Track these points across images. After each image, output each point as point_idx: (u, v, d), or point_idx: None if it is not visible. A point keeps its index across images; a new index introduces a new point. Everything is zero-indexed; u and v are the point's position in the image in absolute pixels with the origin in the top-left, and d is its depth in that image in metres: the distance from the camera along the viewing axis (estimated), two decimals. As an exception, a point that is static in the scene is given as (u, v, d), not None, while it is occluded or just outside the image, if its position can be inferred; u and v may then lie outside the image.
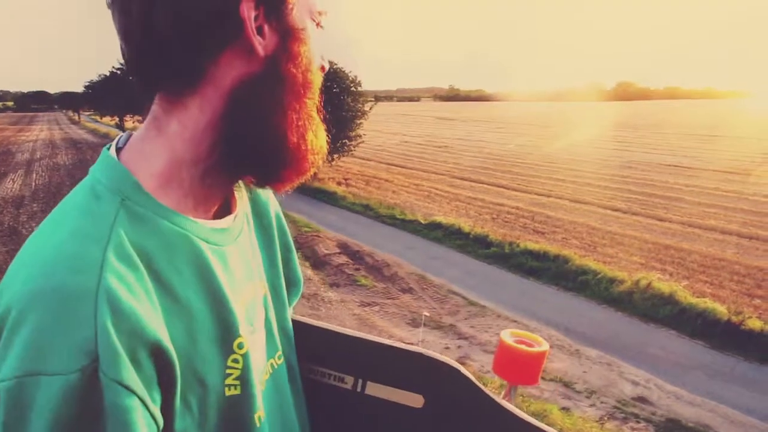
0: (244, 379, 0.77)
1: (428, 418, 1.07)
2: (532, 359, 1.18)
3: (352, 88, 30.91)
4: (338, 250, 18.38)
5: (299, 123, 0.80)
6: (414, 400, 1.07)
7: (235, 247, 0.83)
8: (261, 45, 0.72)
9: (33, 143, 54.14)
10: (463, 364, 10.35)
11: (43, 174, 34.35)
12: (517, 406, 1.16)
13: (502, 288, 14.55)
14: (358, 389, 1.09)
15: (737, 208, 22.39)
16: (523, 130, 66.18)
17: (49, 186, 29.80)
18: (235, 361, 0.75)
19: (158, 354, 0.63)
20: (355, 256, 18.02)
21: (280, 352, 0.97)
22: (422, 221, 20.53)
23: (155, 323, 0.63)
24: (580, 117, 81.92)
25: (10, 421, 0.55)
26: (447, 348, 11.11)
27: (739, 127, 58.26)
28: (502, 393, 1.23)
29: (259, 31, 0.72)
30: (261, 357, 0.88)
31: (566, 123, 73.69)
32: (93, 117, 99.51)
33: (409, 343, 1.18)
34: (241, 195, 0.93)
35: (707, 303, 12.44)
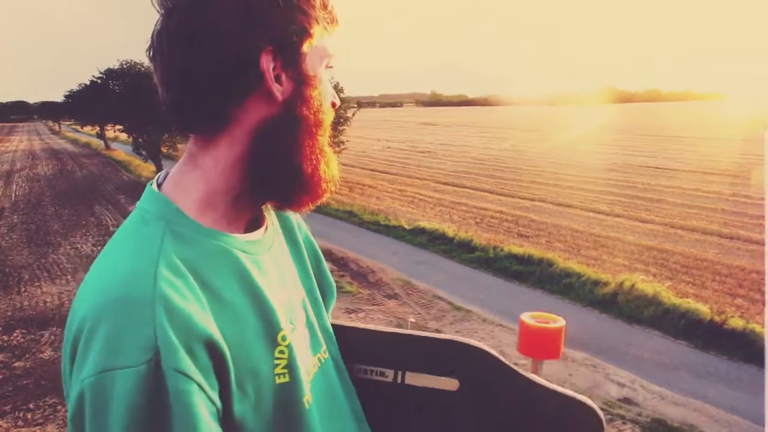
0: (291, 368, 0.88)
1: (464, 400, 1.15)
2: (552, 335, 1.35)
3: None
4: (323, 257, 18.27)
5: (312, 156, 0.90)
6: (450, 384, 1.15)
7: (268, 256, 0.96)
8: (279, 91, 0.83)
9: (13, 153, 53.64)
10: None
11: (24, 185, 34.01)
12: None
13: (487, 292, 14.57)
14: (398, 380, 1.17)
15: (717, 208, 22.59)
16: (506, 135, 66.40)
17: (30, 197, 29.50)
18: (281, 352, 0.86)
19: (210, 346, 0.74)
20: (340, 262, 17.97)
21: (324, 348, 1.08)
22: (406, 227, 20.53)
23: (205, 321, 0.74)
24: (563, 121, 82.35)
25: (96, 410, 0.67)
26: (433, 353, 11.09)
27: (717, 129, 58.86)
28: (530, 369, 1.30)
29: (277, 79, 0.83)
30: (306, 352, 0.99)
31: (549, 127, 74.06)
32: (74, 127, 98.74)
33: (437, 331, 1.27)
34: (269, 213, 1.07)
35: (690, 303, 12.53)
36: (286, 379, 0.87)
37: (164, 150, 36.23)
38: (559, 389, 1.24)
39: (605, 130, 60.45)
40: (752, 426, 8.68)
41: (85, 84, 37.69)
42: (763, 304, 12.69)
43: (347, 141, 33.11)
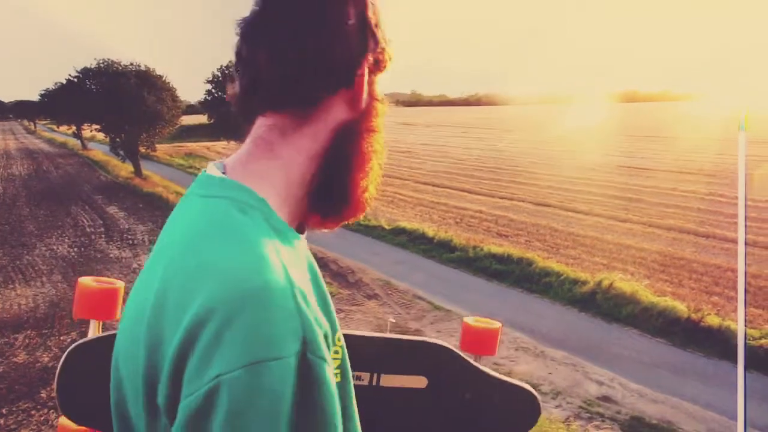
0: (344, 369, 0.84)
1: (431, 394, 1.25)
2: (492, 334, 1.48)
3: (314, 95, 30.79)
4: (302, 257, 18.21)
5: (370, 172, 0.91)
6: (419, 382, 1.24)
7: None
8: (363, 100, 0.87)
9: (-13, 154, 52.88)
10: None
11: (-2, 185, 33.54)
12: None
13: (467, 292, 14.60)
14: (374, 383, 1.21)
15: (694, 207, 22.85)
16: (486, 135, 66.68)
17: (4, 197, 29.07)
18: (336, 352, 0.82)
19: (327, 337, 0.74)
20: (320, 262, 17.79)
21: None
22: (386, 227, 20.51)
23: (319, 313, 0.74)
24: (542, 121, 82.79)
25: (238, 407, 0.62)
26: (413, 353, 11.10)
27: (694, 129, 59.51)
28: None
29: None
30: None
31: (528, 127, 74.41)
32: (49, 126, 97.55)
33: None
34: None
35: (668, 301, 12.65)
36: (339, 378, 0.82)
37: (142, 150, 35.91)
38: (506, 378, 1.37)
39: (584, 130, 60.85)
40: (728, 422, 8.77)
41: (61, 83, 37.20)
42: (738, 301, 12.85)
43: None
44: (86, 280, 1.20)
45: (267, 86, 0.82)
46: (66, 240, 20.14)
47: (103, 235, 20.81)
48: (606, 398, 9.69)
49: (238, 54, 0.85)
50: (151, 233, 20.94)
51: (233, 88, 0.88)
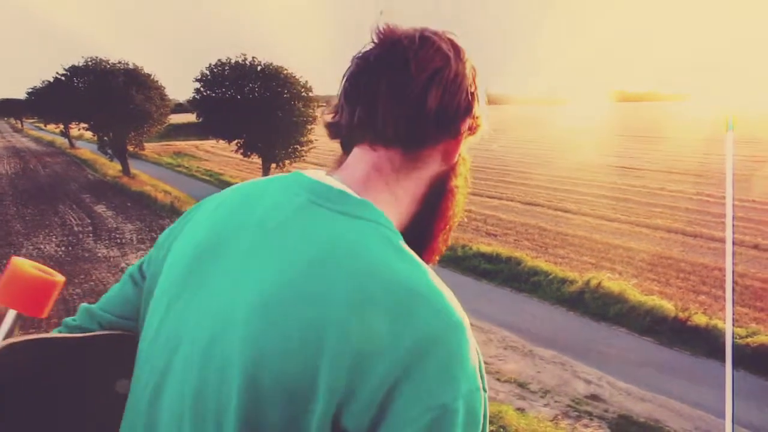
0: None
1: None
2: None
3: (303, 94, 30.66)
4: (292, 257, 18.18)
5: (449, 220, 0.96)
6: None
7: None
8: (457, 155, 0.92)
9: (-27, 152, 52.43)
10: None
11: (-16, 184, 33.26)
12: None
13: (456, 290, 14.40)
14: None
15: (681, 207, 22.96)
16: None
17: (-9, 196, 28.88)
18: None
19: None
20: (309, 262, 17.84)
21: None
22: (376, 226, 20.43)
23: None
24: (529, 120, 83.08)
25: (468, 425, 0.68)
26: (402, 352, 11.11)
27: (681, 129, 59.85)
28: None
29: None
30: None
31: (516, 126, 74.64)
32: (37, 125, 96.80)
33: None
34: None
35: (655, 300, 12.71)
36: None
37: (130, 148, 35.71)
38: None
39: (573, 130, 61.10)
40: (715, 420, 8.83)
41: (49, 81, 36.92)
42: (726, 300, 12.93)
43: (316, 140, 32.94)
44: (22, 263, 1.04)
45: (385, 120, 0.83)
46: (53, 239, 20.01)
47: (90, 234, 20.68)
48: (594, 397, 9.73)
49: (352, 84, 0.87)
50: (139, 232, 20.84)
51: (333, 114, 0.92)
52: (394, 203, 0.85)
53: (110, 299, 1.04)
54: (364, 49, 0.87)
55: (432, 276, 0.75)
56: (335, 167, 0.92)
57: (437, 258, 0.97)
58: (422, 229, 0.90)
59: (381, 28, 0.86)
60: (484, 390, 0.72)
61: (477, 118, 0.90)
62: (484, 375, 0.73)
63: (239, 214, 0.83)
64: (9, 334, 1.04)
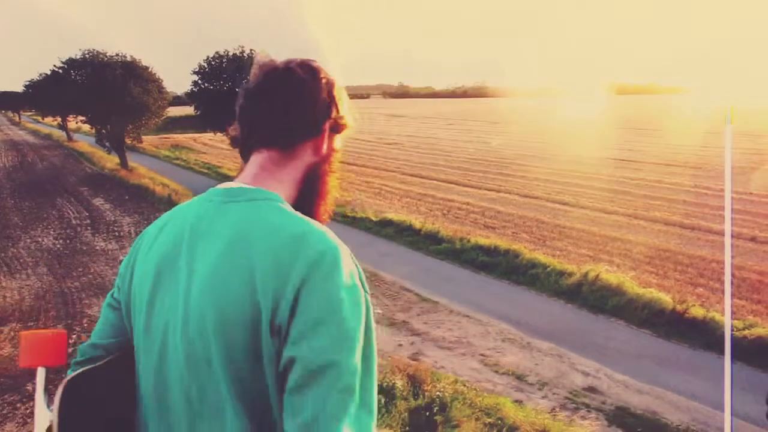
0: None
1: None
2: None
3: (301, 86, 30.64)
4: (290, 249, 18.21)
5: (327, 198, 1.29)
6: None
7: None
8: (323, 148, 1.26)
9: (-30, 145, 52.32)
10: (416, 360, 10.40)
11: (-18, 177, 33.20)
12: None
13: (454, 283, 14.64)
14: None
15: (679, 199, 22.99)
16: (473, 127, 66.74)
17: (-12, 189, 28.83)
18: None
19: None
20: (307, 254, 17.86)
21: None
22: (373, 218, 20.51)
23: None
24: (529, 113, 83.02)
25: (354, 309, 1.04)
26: (400, 345, 11.13)
27: (679, 122, 59.85)
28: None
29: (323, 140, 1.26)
30: None
31: (515, 119, 74.56)
32: (34, 118, 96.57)
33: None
34: None
35: (653, 293, 12.74)
36: None
37: (128, 141, 35.65)
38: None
39: (571, 123, 61.03)
40: (712, 412, 8.87)
41: (46, 74, 36.78)
42: (723, 293, 12.94)
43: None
44: (30, 331, 1.30)
45: (263, 131, 1.21)
46: (51, 232, 20.00)
47: (88, 227, 20.68)
48: (591, 389, 9.76)
49: (241, 107, 1.23)
50: (137, 225, 20.83)
51: (234, 130, 1.26)
52: (280, 187, 1.19)
53: (101, 330, 1.31)
54: (249, 81, 1.23)
55: (315, 224, 1.11)
56: (237, 175, 1.24)
57: (326, 218, 1.29)
58: (308, 202, 1.24)
59: (260, 62, 1.25)
60: (365, 290, 1.09)
61: (340, 119, 1.27)
62: (364, 280, 1.10)
63: (179, 229, 1.16)
64: (44, 386, 1.30)
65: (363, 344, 1.03)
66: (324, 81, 1.23)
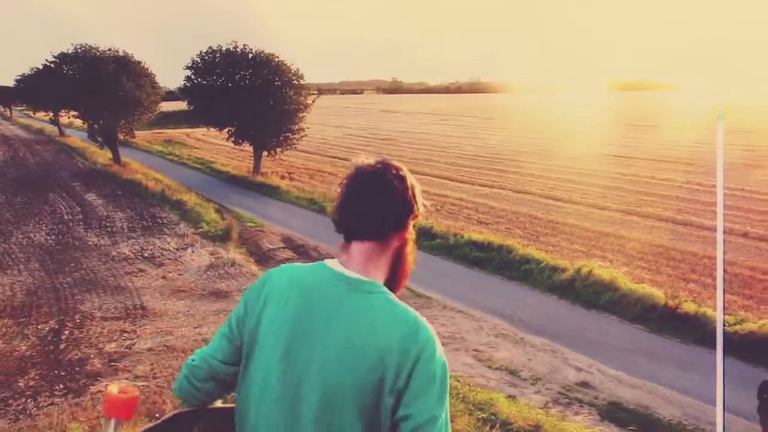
0: None
1: None
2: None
3: (294, 81, 30.52)
4: (282, 245, 18.22)
5: (407, 272, 1.59)
6: None
7: None
8: (407, 235, 1.55)
9: (-39, 140, 51.99)
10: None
11: (-27, 172, 33.02)
12: None
13: (448, 279, 14.67)
14: None
15: (672, 195, 23.08)
16: (467, 123, 66.75)
17: (-20, 184, 28.69)
18: None
19: None
20: (300, 250, 17.88)
21: None
22: (367, 214, 20.43)
23: None
24: (522, 109, 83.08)
25: (443, 382, 1.39)
26: (394, 340, 11.13)
27: (672, 118, 59.97)
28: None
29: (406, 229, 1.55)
30: None
31: (508, 115, 74.62)
32: (26, 112, 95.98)
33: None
34: None
35: (646, 288, 12.78)
36: None
37: (121, 136, 35.50)
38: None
39: (564, 119, 61.12)
40: (704, 406, 8.91)
41: (38, 68, 36.63)
42: (715, 288, 12.99)
43: (307, 128, 32.84)
44: (112, 390, 1.59)
45: (365, 227, 1.49)
46: (43, 227, 19.92)
47: (81, 223, 20.60)
48: (584, 384, 9.80)
49: (345, 203, 1.52)
50: (129, 220, 20.77)
51: (341, 218, 1.53)
52: (380, 272, 1.51)
53: (216, 349, 1.58)
54: (349, 178, 1.54)
55: (419, 316, 1.41)
56: (342, 255, 1.52)
57: (404, 286, 1.60)
58: (395, 279, 1.55)
59: (357, 163, 1.55)
60: (445, 364, 1.40)
61: (418, 213, 1.55)
62: (444, 355, 1.40)
63: (309, 299, 1.44)
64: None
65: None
66: (410, 184, 1.53)
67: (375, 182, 1.49)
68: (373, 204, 1.47)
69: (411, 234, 1.59)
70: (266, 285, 1.52)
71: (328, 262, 1.51)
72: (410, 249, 1.60)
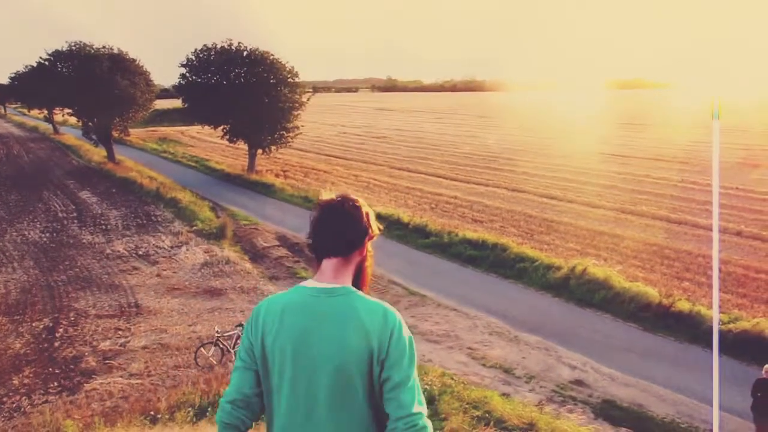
0: None
1: None
2: None
3: (289, 79, 30.49)
4: (277, 243, 18.21)
5: (367, 278, 1.94)
6: None
7: None
8: (366, 252, 1.89)
9: (-45, 137, 51.76)
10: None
11: (-33, 169, 32.89)
12: None
13: (442, 277, 14.68)
14: None
15: (666, 194, 23.12)
16: (462, 121, 66.76)
17: (-27, 182, 28.58)
18: None
19: None
20: (294, 248, 17.88)
21: None
22: (362, 212, 20.44)
23: None
24: (518, 107, 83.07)
25: (413, 348, 1.81)
26: (389, 338, 11.14)
27: (667, 117, 60.07)
28: None
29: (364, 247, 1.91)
30: None
31: (503, 113, 74.61)
32: (20, 110, 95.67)
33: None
34: None
35: (640, 287, 12.81)
36: None
37: (115, 134, 35.42)
38: None
39: (559, 117, 61.14)
40: (697, 404, 8.94)
41: (32, 66, 36.43)
42: (709, 287, 13.03)
43: (302, 126, 32.83)
44: None
45: (332, 248, 1.83)
46: (38, 225, 19.87)
47: (75, 220, 20.55)
48: (579, 382, 9.82)
49: (315, 231, 1.85)
50: (124, 218, 20.73)
51: (313, 241, 1.86)
52: (347, 280, 1.84)
53: (242, 381, 1.87)
54: (317, 210, 1.86)
55: (386, 303, 1.80)
56: (316, 272, 1.86)
57: (368, 290, 1.92)
58: (358, 284, 1.88)
59: (323, 199, 1.88)
60: (411, 338, 1.78)
61: (373, 234, 1.88)
62: (409, 331, 1.78)
63: (301, 311, 1.79)
64: None
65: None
66: (365, 212, 1.88)
67: (337, 212, 1.86)
68: (337, 229, 1.85)
69: (369, 250, 1.95)
70: (260, 317, 1.86)
71: (303, 283, 1.87)
72: (369, 262, 1.96)
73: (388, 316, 1.79)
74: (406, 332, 1.80)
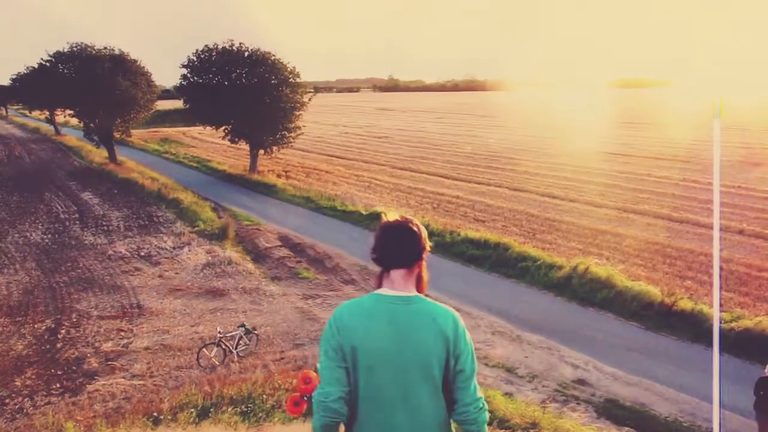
0: None
1: None
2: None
3: (291, 80, 30.50)
4: (279, 243, 18.21)
5: (426, 284, 2.22)
6: None
7: None
8: (422, 263, 2.21)
9: (-43, 139, 51.81)
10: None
11: (-31, 171, 32.92)
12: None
13: (444, 277, 14.67)
14: None
15: (668, 193, 23.09)
16: (463, 120, 66.73)
17: (-24, 183, 28.61)
18: None
19: None
20: (296, 248, 17.87)
21: None
22: (363, 212, 20.52)
23: None
24: (519, 106, 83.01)
25: (469, 344, 2.19)
26: (391, 338, 11.13)
27: (668, 115, 60.00)
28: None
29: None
30: None
31: (505, 113, 74.58)
32: (21, 111, 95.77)
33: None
34: None
35: (642, 285, 12.80)
36: None
37: (117, 135, 35.45)
38: None
39: (560, 116, 61.10)
40: (700, 403, 8.93)
41: (33, 67, 36.44)
42: (711, 285, 13.00)
43: (304, 126, 32.83)
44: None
45: (400, 262, 2.12)
46: (39, 226, 19.89)
47: (77, 222, 20.57)
48: (581, 381, 9.81)
49: (382, 245, 2.15)
50: (126, 219, 20.74)
51: (380, 254, 2.16)
52: (413, 286, 2.14)
53: (340, 381, 2.09)
54: (381, 230, 2.19)
55: (451, 309, 2.10)
56: (387, 281, 2.14)
57: (426, 292, 2.22)
58: (419, 288, 2.16)
59: (387, 221, 2.19)
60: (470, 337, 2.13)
61: (427, 249, 2.17)
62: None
63: (386, 318, 2.07)
64: None
65: None
66: (423, 231, 2.19)
67: (404, 232, 2.17)
68: (404, 245, 2.16)
69: (425, 261, 2.25)
70: (343, 320, 2.12)
71: (379, 291, 2.16)
72: (425, 271, 2.25)
73: (456, 319, 2.12)
74: (468, 333, 2.15)
